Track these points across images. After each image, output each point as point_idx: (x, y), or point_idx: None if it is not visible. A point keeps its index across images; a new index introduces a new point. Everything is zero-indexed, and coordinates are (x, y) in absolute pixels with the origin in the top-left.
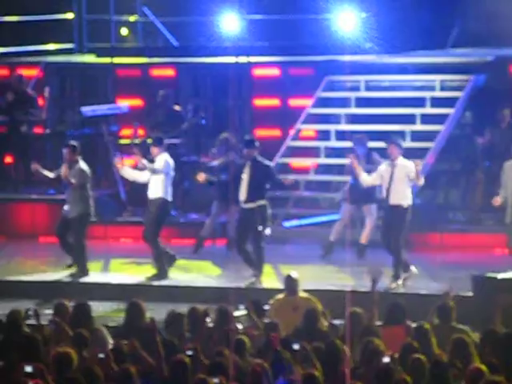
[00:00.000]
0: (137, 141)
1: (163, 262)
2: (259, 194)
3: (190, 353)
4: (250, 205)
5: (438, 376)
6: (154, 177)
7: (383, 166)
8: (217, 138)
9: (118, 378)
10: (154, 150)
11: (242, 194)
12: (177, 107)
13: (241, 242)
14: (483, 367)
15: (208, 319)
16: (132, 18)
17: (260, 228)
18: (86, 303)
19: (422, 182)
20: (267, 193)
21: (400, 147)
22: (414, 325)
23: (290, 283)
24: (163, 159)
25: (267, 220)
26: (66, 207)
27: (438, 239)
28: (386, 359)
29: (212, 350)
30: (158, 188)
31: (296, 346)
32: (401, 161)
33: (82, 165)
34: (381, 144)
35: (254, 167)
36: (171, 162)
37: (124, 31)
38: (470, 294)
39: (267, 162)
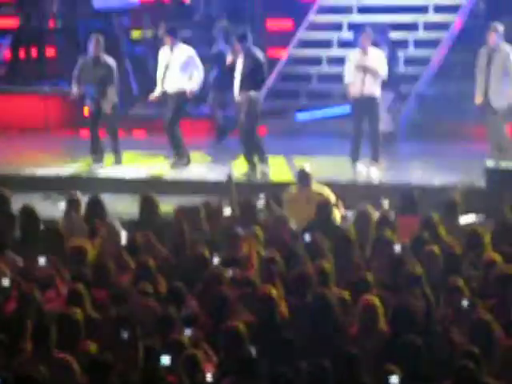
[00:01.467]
0: (149, 34)
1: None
2: (250, 86)
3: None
4: (242, 95)
5: (450, 264)
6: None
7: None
8: (215, 26)
9: (135, 271)
10: (168, 39)
11: (236, 87)
12: (187, 1)
13: (249, 132)
14: (497, 256)
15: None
16: None
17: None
18: (98, 197)
19: None
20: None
21: None
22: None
23: (303, 176)
24: (185, 50)
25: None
26: None
27: (452, 128)
28: (397, 248)
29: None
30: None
31: (307, 238)
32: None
33: None
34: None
35: (246, 59)
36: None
37: None
38: (483, 185)
39: (258, 55)
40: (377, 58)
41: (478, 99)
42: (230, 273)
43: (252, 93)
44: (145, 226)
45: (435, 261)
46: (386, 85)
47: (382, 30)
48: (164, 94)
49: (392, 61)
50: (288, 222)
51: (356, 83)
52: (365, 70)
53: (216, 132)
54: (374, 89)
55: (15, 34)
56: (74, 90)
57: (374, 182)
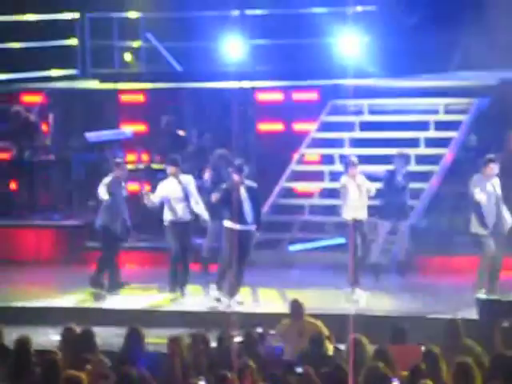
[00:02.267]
0: (141, 166)
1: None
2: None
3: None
4: (252, 227)
5: None
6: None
7: None
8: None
9: None
10: (172, 169)
11: (248, 216)
12: (181, 132)
13: (241, 264)
14: None
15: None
16: (135, 44)
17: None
18: (90, 329)
19: None
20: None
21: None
22: (422, 348)
23: (296, 308)
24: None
25: None
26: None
27: (443, 262)
28: (395, 383)
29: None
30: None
31: (299, 370)
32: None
33: None
34: (385, 167)
35: (248, 191)
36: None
37: (127, 57)
38: (476, 317)
39: (255, 185)
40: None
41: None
42: None
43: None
44: (131, 358)
45: None
46: (383, 214)
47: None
48: (181, 223)
49: (391, 190)
50: (282, 354)
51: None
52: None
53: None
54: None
55: (7, 166)
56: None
57: (366, 313)
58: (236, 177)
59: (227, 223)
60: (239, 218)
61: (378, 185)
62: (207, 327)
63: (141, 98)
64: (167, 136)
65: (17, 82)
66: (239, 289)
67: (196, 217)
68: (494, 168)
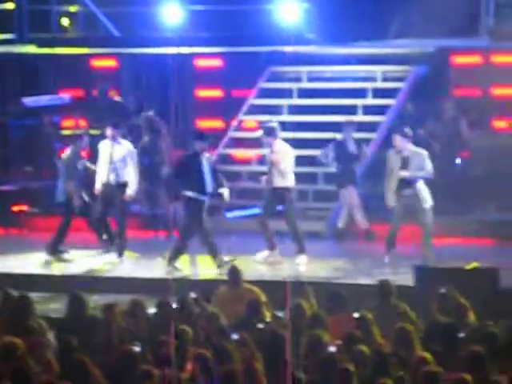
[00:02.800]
0: (78, 132)
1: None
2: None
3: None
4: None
5: (379, 365)
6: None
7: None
8: (139, 117)
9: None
10: (111, 133)
11: (208, 187)
12: (117, 98)
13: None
14: (427, 356)
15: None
16: (73, 8)
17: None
18: (26, 295)
19: None
20: None
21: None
22: (355, 314)
23: (234, 275)
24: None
25: None
26: None
27: (380, 229)
28: (332, 348)
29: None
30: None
31: (235, 337)
32: None
33: None
34: (323, 135)
35: (207, 160)
36: None
37: (65, 21)
38: (411, 284)
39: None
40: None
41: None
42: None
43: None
44: (72, 325)
45: (365, 360)
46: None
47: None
48: (106, 186)
49: (343, 159)
50: (218, 319)
51: None
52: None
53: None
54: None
55: None
56: None
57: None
58: (200, 144)
59: (189, 193)
60: (201, 188)
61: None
62: (147, 294)
63: (80, 62)
64: (104, 102)
65: None
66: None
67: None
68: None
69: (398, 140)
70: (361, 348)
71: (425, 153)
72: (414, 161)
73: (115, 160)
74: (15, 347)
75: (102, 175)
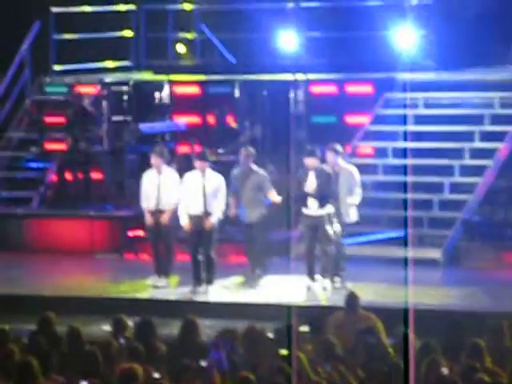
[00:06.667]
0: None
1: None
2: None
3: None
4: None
5: None
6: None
7: None
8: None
9: None
10: (200, 164)
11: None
12: (233, 124)
13: None
14: None
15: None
16: (190, 36)
17: None
18: (149, 319)
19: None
20: None
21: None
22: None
23: (352, 300)
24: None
25: None
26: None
27: (497, 257)
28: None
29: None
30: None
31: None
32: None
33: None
34: (439, 161)
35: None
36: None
37: (181, 48)
38: None
39: None
40: None
41: None
42: None
43: None
44: (185, 348)
45: None
46: None
47: None
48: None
49: None
50: (334, 346)
51: None
52: None
53: None
54: None
55: (62, 157)
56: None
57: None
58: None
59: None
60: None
61: None
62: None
63: (195, 89)
64: (219, 128)
65: (72, 73)
66: None
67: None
68: None
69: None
70: (482, 377)
71: None
72: None
73: (207, 192)
74: (135, 373)
75: (193, 207)
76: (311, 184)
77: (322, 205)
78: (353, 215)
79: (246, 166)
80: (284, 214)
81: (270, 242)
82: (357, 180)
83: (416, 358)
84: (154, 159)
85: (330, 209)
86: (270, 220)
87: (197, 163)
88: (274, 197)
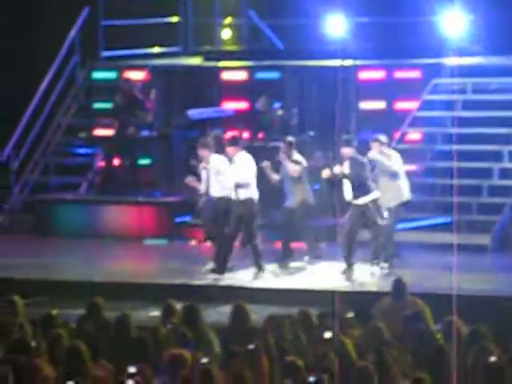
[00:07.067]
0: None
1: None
2: None
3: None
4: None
5: None
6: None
7: None
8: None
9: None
10: (231, 149)
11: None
12: (280, 112)
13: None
14: None
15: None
16: (237, 21)
17: None
18: (194, 305)
19: None
20: None
21: None
22: None
23: (399, 287)
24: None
25: None
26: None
27: None
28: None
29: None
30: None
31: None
32: None
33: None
34: (488, 147)
35: None
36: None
37: (226, 33)
38: None
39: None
40: None
41: None
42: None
43: None
44: (235, 334)
45: None
46: None
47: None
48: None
49: None
50: (383, 333)
51: None
52: None
53: None
54: None
55: (110, 143)
56: None
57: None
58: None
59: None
60: None
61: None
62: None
63: (243, 75)
64: (267, 115)
65: (121, 58)
66: None
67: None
68: None
69: None
70: None
71: None
72: None
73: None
74: (183, 359)
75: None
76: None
77: (360, 193)
78: (394, 199)
79: (286, 153)
80: (329, 200)
81: (315, 228)
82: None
83: (465, 345)
84: (200, 151)
85: (374, 195)
86: (314, 207)
87: (229, 149)
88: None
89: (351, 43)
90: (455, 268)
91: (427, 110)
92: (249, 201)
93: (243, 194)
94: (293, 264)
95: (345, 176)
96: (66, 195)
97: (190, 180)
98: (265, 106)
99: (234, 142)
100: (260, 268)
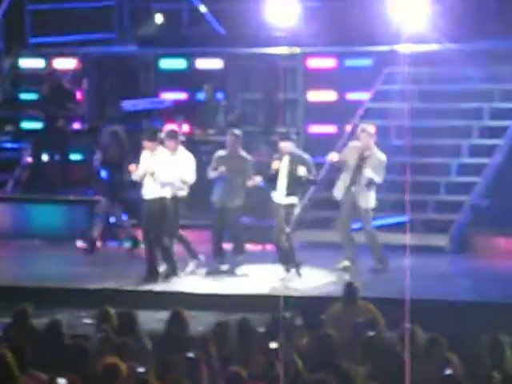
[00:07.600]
0: (182, 137)
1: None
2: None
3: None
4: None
5: None
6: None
7: None
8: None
9: None
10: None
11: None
12: (224, 102)
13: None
14: None
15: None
16: (176, 6)
17: None
18: (131, 311)
19: None
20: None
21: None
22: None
23: (350, 291)
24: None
25: None
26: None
27: (507, 243)
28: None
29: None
30: None
31: None
32: None
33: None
34: (446, 141)
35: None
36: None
37: (159, 18)
38: None
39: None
40: None
41: None
42: None
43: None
44: (171, 342)
45: None
46: None
47: None
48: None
49: None
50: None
51: None
52: None
53: None
54: None
55: (38, 137)
56: None
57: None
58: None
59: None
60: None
61: None
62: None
63: (182, 63)
64: (209, 106)
65: (49, 45)
66: None
67: None
68: None
69: None
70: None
71: None
72: None
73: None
74: (118, 368)
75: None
76: (283, 169)
77: (291, 192)
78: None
79: (232, 149)
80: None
81: (247, 228)
82: (381, 172)
83: (422, 352)
84: (145, 143)
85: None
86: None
87: (168, 142)
88: (254, 182)
89: (299, 29)
90: (410, 271)
91: (380, 101)
92: (174, 199)
93: (168, 192)
94: (226, 267)
95: (277, 173)
96: None
97: (132, 167)
98: (209, 93)
99: (173, 135)
100: (174, 270)
